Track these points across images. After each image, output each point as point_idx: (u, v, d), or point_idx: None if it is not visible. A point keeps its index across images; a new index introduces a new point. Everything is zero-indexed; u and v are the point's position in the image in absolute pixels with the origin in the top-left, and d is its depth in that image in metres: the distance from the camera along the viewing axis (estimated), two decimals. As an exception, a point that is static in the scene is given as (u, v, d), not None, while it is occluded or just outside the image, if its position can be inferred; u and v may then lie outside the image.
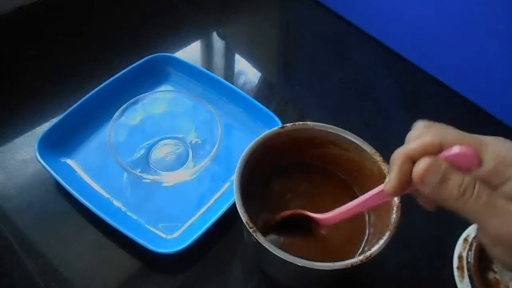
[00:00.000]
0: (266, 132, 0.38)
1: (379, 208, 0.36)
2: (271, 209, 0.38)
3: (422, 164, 0.23)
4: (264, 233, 0.36)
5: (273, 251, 0.31)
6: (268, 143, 0.37)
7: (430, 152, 0.24)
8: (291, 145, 0.39)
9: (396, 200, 0.34)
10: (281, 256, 0.31)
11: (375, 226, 0.37)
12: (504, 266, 0.24)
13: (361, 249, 0.37)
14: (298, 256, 0.31)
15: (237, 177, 0.35)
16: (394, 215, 0.33)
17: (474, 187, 0.23)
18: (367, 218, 0.38)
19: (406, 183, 0.25)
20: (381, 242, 0.32)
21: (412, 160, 0.24)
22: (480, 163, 0.23)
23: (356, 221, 0.38)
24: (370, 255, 0.31)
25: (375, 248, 0.32)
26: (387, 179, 0.26)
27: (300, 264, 0.30)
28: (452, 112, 0.56)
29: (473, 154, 0.23)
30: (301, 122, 0.38)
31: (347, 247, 0.37)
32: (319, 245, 0.37)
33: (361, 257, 0.31)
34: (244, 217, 0.32)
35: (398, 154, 0.25)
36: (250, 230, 0.31)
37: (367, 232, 0.38)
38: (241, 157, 0.36)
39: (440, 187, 0.23)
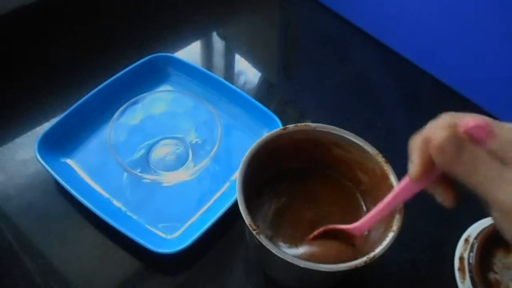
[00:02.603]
0: (268, 133, 0.37)
1: None
2: (273, 212, 0.38)
3: (438, 135, 0.24)
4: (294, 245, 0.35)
5: (276, 253, 0.30)
6: (270, 145, 0.37)
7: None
8: (293, 146, 0.39)
9: None
10: (284, 258, 0.30)
11: (380, 228, 0.37)
12: None
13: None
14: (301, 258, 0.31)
15: (240, 179, 0.34)
16: (397, 216, 0.33)
17: (486, 158, 0.24)
18: None
19: (429, 165, 0.25)
20: (384, 243, 0.32)
21: (430, 141, 0.25)
22: (493, 135, 0.24)
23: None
24: (374, 256, 0.31)
25: (378, 249, 0.31)
26: (409, 166, 0.26)
27: (303, 266, 0.30)
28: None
29: (484, 125, 0.24)
30: (303, 123, 0.38)
31: (349, 249, 0.37)
32: (321, 247, 0.37)
33: (365, 258, 0.31)
34: (247, 219, 0.32)
35: (415, 139, 0.26)
36: (253, 232, 0.31)
37: (370, 236, 0.37)
38: (244, 159, 0.36)
39: (457, 160, 0.24)
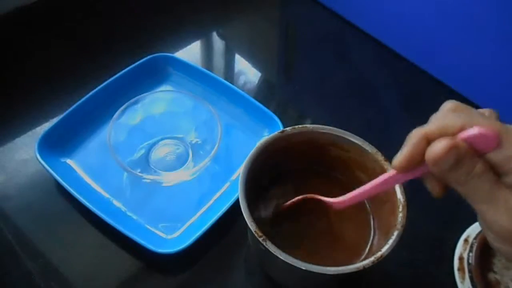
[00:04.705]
0: (266, 137, 0.37)
1: (384, 210, 0.36)
2: (274, 213, 0.38)
3: (437, 146, 0.23)
4: (271, 222, 0.35)
5: (285, 259, 0.30)
6: (269, 149, 0.37)
7: (449, 134, 0.23)
8: (292, 149, 0.39)
9: (401, 199, 0.34)
10: (292, 263, 0.30)
11: (380, 228, 0.37)
12: (501, 254, 0.24)
13: (366, 250, 0.37)
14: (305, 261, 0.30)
15: (242, 186, 0.34)
16: (400, 214, 0.33)
17: (482, 175, 0.23)
18: (371, 221, 0.38)
19: (415, 162, 0.25)
20: (391, 241, 0.32)
21: (429, 140, 0.24)
22: (498, 145, 0.23)
23: (360, 224, 0.38)
24: (381, 256, 0.31)
25: (385, 248, 0.31)
26: (397, 155, 0.25)
27: (310, 270, 0.30)
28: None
29: (492, 136, 0.22)
30: (301, 125, 0.38)
31: (352, 249, 0.37)
32: (324, 248, 0.37)
33: (372, 258, 0.31)
34: (252, 226, 0.32)
35: (416, 133, 0.25)
36: (260, 239, 0.31)
37: (372, 234, 0.38)
38: (244, 165, 0.35)
39: (450, 171, 0.23)
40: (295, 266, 0.30)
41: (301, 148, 0.39)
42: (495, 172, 0.23)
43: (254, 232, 0.31)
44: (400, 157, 0.25)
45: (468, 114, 0.24)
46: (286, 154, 0.39)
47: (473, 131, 0.23)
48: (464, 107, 0.25)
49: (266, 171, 0.38)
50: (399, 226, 0.32)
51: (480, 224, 0.25)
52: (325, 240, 0.37)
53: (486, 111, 0.26)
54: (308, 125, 0.38)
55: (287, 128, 0.38)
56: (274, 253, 0.30)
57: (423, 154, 0.24)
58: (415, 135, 0.25)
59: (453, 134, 0.23)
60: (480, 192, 0.23)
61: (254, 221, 0.32)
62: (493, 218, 0.23)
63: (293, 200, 0.36)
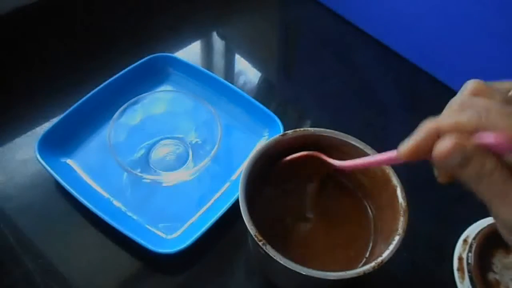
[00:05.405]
0: (267, 141, 0.37)
1: (385, 214, 0.36)
2: (275, 219, 0.38)
3: (446, 143, 0.22)
4: (262, 181, 0.35)
5: (284, 264, 0.30)
6: (270, 152, 0.37)
7: (462, 132, 0.22)
8: (292, 152, 0.38)
9: (402, 203, 0.34)
10: (293, 269, 0.30)
11: (381, 232, 0.37)
12: None
13: (366, 255, 0.37)
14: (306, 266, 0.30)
15: (242, 189, 0.34)
16: (401, 219, 0.33)
17: (493, 172, 0.22)
18: (372, 225, 0.38)
19: (421, 154, 0.24)
20: (391, 247, 0.31)
21: (440, 133, 0.23)
22: None
23: (361, 228, 0.38)
24: (382, 261, 0.31)
25: (386, 254, 0.31)
26: (405, 141, 0.24)
27: (312, 275, 0.30)
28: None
29: (506, 145, 0.21)
30: (301, 129, 0.38)
31: (353, 253, 0.37)
32: (323, 253, 0.37)
33: (373, 263, 0.31)
34: (252, 230, 0.31)
35: (429, 124, 0.24)
36: (260, 243, 0.31)
37: (372, 238, 0.37)
38: (244, 168, 0.35)
39: (460, 168, 0.22)
40: (295, 271, 0.30)
41: (303, 151, 0.39)
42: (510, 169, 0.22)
43: (254, 236, 0.31)
44: (407, 146, 0.24)
45: (486, 110, 0.22)
46: (286, 156, 0.39)
47: (488, 138, 0.21)
48: (487, 91, 0.24)
49: (266, 174, 0.38)
50: (400, 231, 0.32)
51: (497, 225, 0.24)
52: (325, 243, 0.37)
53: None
54: (309, 128, 0.38)
55: (289, 131, 0.37)
56: (274, 257, 0.30)
57: (431, 147, 0.23)
58: (427, 128, 0.24)
59: (467, 133, 0.22)
60: (492, 189, 0.22)
61: (254, 224, 0.32)
62: (507, 217, 0.22)
63: (297, 155, 0.36)
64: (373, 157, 0.32)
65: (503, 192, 0.22)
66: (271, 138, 0.37)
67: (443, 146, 0.22)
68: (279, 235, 0.37)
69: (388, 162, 0.30)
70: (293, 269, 0.30)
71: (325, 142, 0.38)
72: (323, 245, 0.37)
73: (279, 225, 0.38)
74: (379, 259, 0.31)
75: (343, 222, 0.38)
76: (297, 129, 0.37)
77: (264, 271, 0.40)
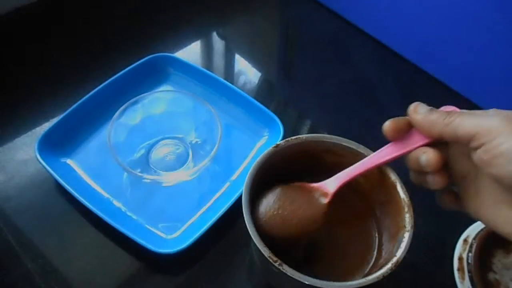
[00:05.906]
0: (262, 154, 0.36)
1: (388, 210, 0.36)
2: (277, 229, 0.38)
3: (415, 103, 0.31)
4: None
5: (304, 281, 0.29)
6: (266, 165, 0.36)
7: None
8: (288, 160, 0.38)
9: (405, 198, 0.33)
10: (314, 284, 0.29)
11: (386, 230, 0.36)
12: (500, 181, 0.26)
13: (374, 255, 0.36)
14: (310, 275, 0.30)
15: (245, 207, 0.33)
16: (407, 215, 0.33)
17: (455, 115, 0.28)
18: (375, 224, 0.38)
19: (401, 128, 0.31)
20: (403, 245, 0.31)
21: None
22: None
23: (363, 229, 0.38)
24: (398, 261, 0.31)
25: (399, 253, 0.31)
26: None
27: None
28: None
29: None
30: (293, 137, 0.37)
31: (357, 256, 0.37)
32: (327, 257, 0.37)
33: (390, 265, 0.30)
34: (265, 252, 0.30)
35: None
36: (276, 264, 0.30)
37: (376, 238, 0.37)
38: (244, 186, 0.34)
39: (429, 115, 0.29)
40: (315, 287, 0.29)
41: (297, 158, 0.38)
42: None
43: (268, 258, 0.30)
44: (390, 120, 0.32)
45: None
46: (282, 166, 0.38)
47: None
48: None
49: (265, 185, 0.38)
50: (408, 227, 0.32)
51: (478, 162, 0.27)
52: (328, 248, 0.37)
53: None
54: (301, 136, 0.37)
55: (281, 142, 0.37)
56: (292, 276, 0.29)
57: (407, 126, 0.31)
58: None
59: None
60: (462, 125, 0.27)
61: (267, 246, 0.31)
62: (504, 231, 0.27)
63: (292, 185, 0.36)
64: (369, 158, 0.34)
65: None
66: (266, 151, 0.36)
67: (413, 104, 0.31)
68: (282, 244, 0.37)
69: (383, 157, 0.33)
70: (314, 284, 0.29)
71: (319, 147, 0.38)
72: (325, 250, 0.37)
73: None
74: (394, 259, 0.31)
75: (343, 225, 0.38)
76: (289, 138, 0.37)
77: (269, 279, 0.40)
